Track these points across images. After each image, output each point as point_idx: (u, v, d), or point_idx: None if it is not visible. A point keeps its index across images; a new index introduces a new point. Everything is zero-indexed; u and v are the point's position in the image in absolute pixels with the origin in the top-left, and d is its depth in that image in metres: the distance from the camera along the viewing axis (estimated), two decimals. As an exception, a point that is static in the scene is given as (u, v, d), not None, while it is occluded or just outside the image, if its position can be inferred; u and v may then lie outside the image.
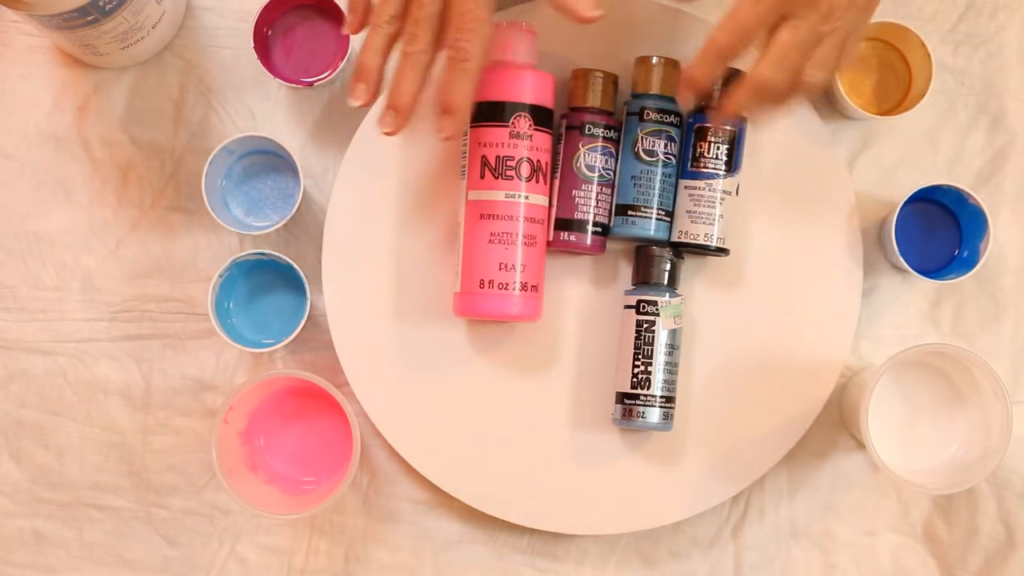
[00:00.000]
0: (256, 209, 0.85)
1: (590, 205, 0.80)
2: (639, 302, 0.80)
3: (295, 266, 0.81)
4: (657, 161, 0.80)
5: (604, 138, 0.80)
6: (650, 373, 0.79)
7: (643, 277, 0.81)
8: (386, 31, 0.71)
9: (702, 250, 0.81)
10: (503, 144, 0.77)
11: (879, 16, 0.84)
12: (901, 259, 0.81)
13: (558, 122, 0.81)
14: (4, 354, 0.85)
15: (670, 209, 0.81)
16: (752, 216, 0.83)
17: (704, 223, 0.80)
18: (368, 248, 0.83)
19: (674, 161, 0.81)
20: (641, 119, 0.80)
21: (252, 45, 0.82)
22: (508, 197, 0.78)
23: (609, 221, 0.81)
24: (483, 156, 0.78)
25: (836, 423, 0.85)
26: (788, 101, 0.70)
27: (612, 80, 0.81)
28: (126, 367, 0.85)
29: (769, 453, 0.82)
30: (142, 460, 0.85)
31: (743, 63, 0.71)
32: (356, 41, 0.84)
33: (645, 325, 0.79)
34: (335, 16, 0.83)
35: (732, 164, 0.80)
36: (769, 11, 0.67)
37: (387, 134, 0.72)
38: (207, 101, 0.86)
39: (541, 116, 0.78)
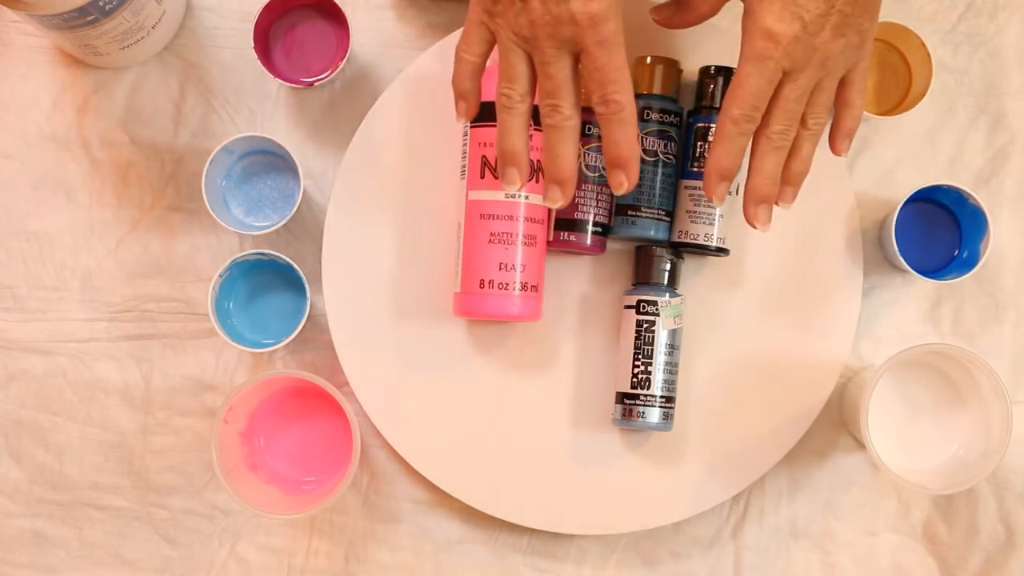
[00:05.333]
0: (256, 209, 0.85)
1: (590, 205, 0.80)
2: (639, 302, 0.80)
3: (295, 266, 0.81)
4: (657, 161, 0.80)
5: (604, 138, 0.80)
6: (650, 373, 0.79)
7: (643, 277, 0.81)
8: (521, 110, 0.69)
9: (702, 250, 0.81)
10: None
11: (879, 16, 0.84)
12: (901, 259, 0.81)
13: (558, 122, 0.81)
14: (4, 354, 0.85)
15: (670, 209, 0.81)
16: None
17: (704, 223, 0.80)
18: (368, 248, 0.83)
19: (674, 161, 0.81)
20: (641, 119, 0.80)
21: (252, 45, 0.82)
22: (508, 197, 0.78)
23: (609, 221, 0.81)
24: (483, 156, 0.78)
25: (836, 423, 0.85)
26: (802, 154, 0.71)
27: (612, 80, 0.81)
28: (126, 367, 0.85)
29: (769, 453, 0.82)
30: (142, 460, 0.85)
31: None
32: (357, 41, 0.84)
33: (645, 325, 0.79)
34: (335, 16, 0.83)
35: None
36: (775, 74, 0.68)
37: (557, 208, 0.71)
38: (207, 101, 0.86)
39: (541, 117, 0.78)
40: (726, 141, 0.69)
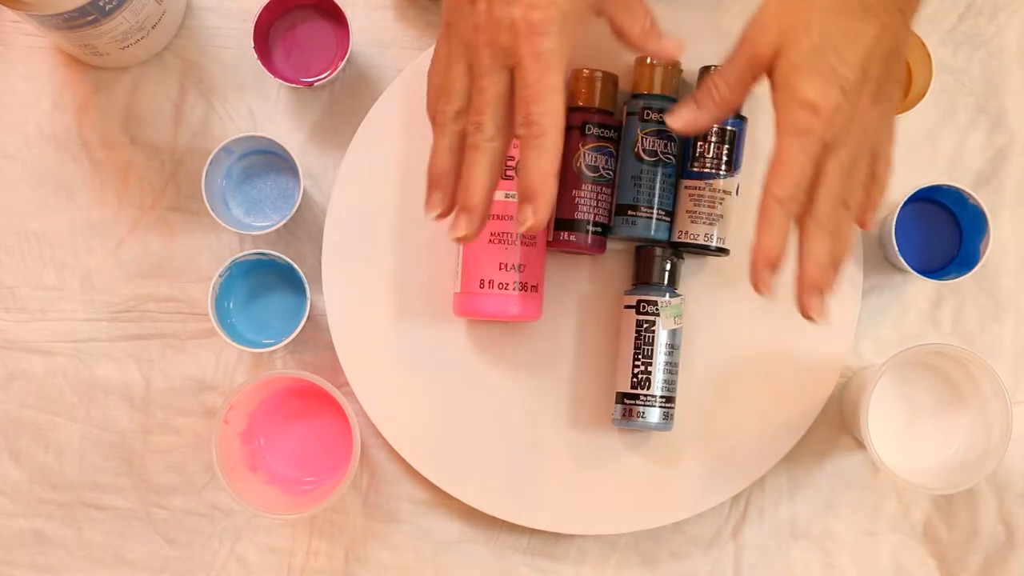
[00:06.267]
0: (256, 209, 0.85)
1: (590, 205, 0.80)
2: (639, 302, 0.80)
3: (295, 266, 0.81)
4: (657, 161, 0.80)
5: (604, 138, 0.80)
6: (650, 373, 0.79)
7: (643, 277, 0.81)
8: (453, 129, 0.66)
9: (702, 250, 0.81)
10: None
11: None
12: (901, 259, 0.81)
13: (558, 122, 0.81)
14: (4, 354, 0.85)
15: (670, 209, 0.81)
16: (752, 216, 0.83)
17: (704, 223, 0.80)
18: (368, 248, 0.83)
19: (674, 161, 0.81)
20: (641, 119, 0.80)
21: (252, 45, 0.82)
22: (508, 197, 0.78)
23: (609, 221, 0.81)
24: (483, 156, 0.78)
25: (836, 423, 0.85)
26: (844, 234, 0.66)
27: (612, 80, 0.81)
28: (126, 367, 0.85)
29: (769, 453, 0.82)
30: (142, 460, 0.85)
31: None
32: (357, 41, 0.84)
33: (645, 325, 0.79)
34: (335, 16, 0.83)
35: (732, 164, 0.80)
36: (816, 145, 0.63)
37: (460, 240, 0.66)
38: (207, 101, 0.86)
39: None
40: (772, 226, 0.64)
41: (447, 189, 0.67)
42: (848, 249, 0.67)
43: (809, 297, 0.66)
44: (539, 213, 0.64)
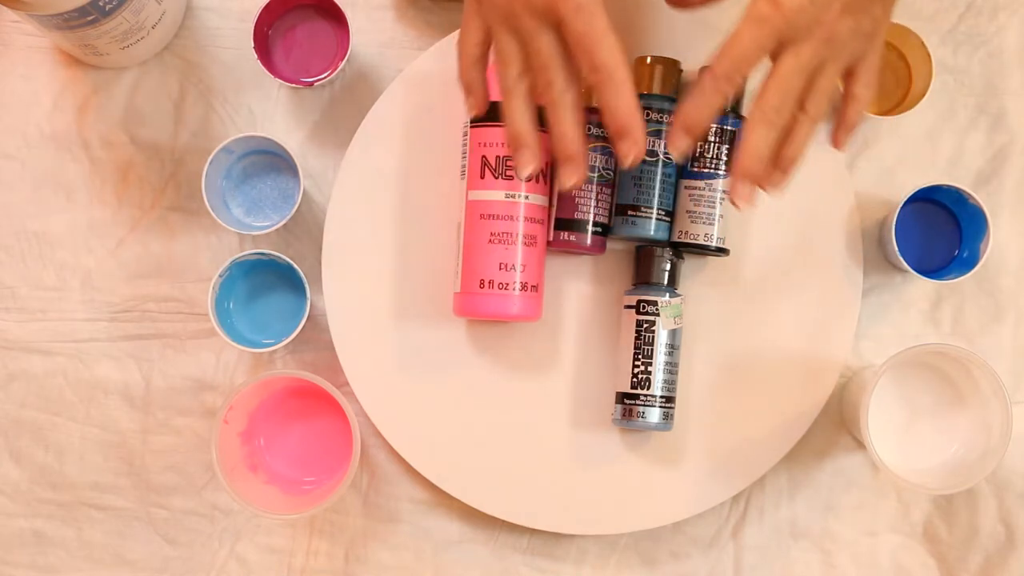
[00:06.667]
0: (256, 209, 0.85)
1: (590, 205, 0.80)
2: (639, 302, 0.80)
3: (295, 266, 0.81)
4: (657, 161, 0.80)
5: (604, 138, 0.80)
6: (650, 373, 0.79)
7: (643, 277, 0.81)
8: (521, 90, 0.69)
9: (702, 250, 0.81)
10: (503, 144, 0.77)
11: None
12: (901, 259, 0.81)
13: (558, 122, 0.81)
14: (4, 354, 0.85)
15: (670, 209, 0.81)
16: (752, 216, 0.83)
17: (704, 223, 0.80)
18: (368, 248, 0.83)
19: (674, 161, 0.81)
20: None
21: (252, 45, 0.82)
22: (508, 197, 0.78)
23: (609, 221, 0.81)
24: (483, 156, 0.78)
25: (836, 423, 0.85)
26: (797, 139, 0.69)
27: (612, 80, 0.81)
28: (126, 367, 0.85)
29: (769, 453, 0.82)
30: (142, 460, 0.85)
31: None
32: (357, 41, 0.84)
33: (645, 325, 0.79)
34: (335, 16, 0.83)
35: (732, 164, 0.80)
36: (769, 40, 0.65)
37: (571, 187, 0.70)
38: (207, 101, 0.86)
39: (542, 116, 0.78)
40: (699, 95, 0.66)
41: (533, 147, 0.70)
42: (799, 153, 0.69)
43: (737, 182, 0.68)
44: (639, 143, 0.67)
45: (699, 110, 0.67)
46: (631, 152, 0.67)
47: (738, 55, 0.65)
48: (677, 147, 0.68)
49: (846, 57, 0.68)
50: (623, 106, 0.66)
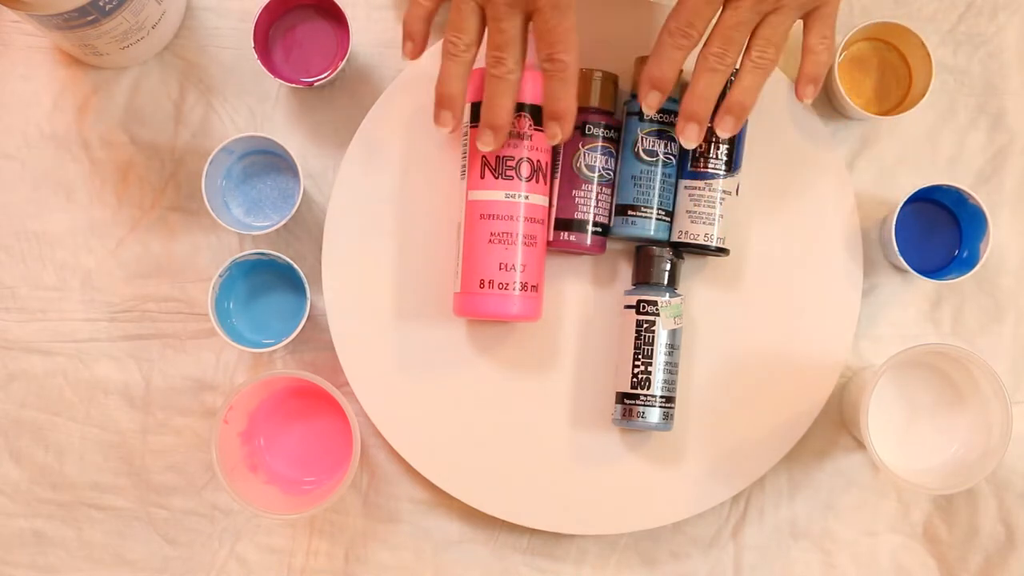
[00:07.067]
0: (256, 209, 0.85)
1: (590, 205, 0.80)
2: (639, 302, 0.80)
3: (295, 266, 0.81)
4: (657, 161, 0.80)
5: (604, 138, 0.80)
6: (650, 373, 0.79)
7: (643, 277, 0.81)
8: (465, 59, 0.74)
9: (702, 250, 0.81)
10: (503, 144, 0.77)
11: (879, 16, 0.84)
12: (901, 259, 0.81)
13: (558, 122, 0.81)
14: (4, 354, 0.85)
15: (670, 209, 0.81)
16: (752, 216, 0.83)
17: (704, 223, 0.80)
18: (368, 248, 0.83)
19: (674, 161, 0.81)
20: (641, 119, 0.80)
21: (252, 45, 0.82)
22: (508, 197, 0.78)
23: (609, 221, 0.81)
24: (483, 156, 0.78)
25: (836, 423, 0.85)
26: (743, 84, 0.74)
27: (612, 80, 0.81)
28: (126, 367, 0.85)
29: (769, 453, 0.82)
30: (142, 460, 0.85)
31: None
32: (357, 41, 0.84)
33: (645, 325, 0.79)
34: (335, 16, 0.83)
35: (732, 164, 0.80)
36: None
37: (487, 152, 0.76)
38: (207, 101, 0.86)
39: (541, 116, 0.78)
40: (660, 52, 0.74)
41: (457, 110, 0.75)
42: (745, 98, 0.75)
43: (682, 122, 0.75)
44: (566, 129, 0.75)
45: (660, 66, 0.74)
46: (558, 135, 0.75)
47: (687, 11, 0.73)
48: (648, 103, 0.75)
49: (794, 11, 0.73)
50: (565, 99, 0.74)
